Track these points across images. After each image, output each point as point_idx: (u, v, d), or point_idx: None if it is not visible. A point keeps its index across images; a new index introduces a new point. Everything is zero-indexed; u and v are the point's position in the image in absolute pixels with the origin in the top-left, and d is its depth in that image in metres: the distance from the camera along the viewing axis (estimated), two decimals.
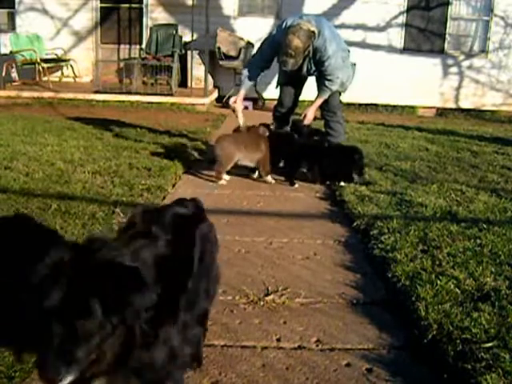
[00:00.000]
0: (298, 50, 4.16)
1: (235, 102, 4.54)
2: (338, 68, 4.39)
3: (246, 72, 4.59)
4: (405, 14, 10.14)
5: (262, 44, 4.60)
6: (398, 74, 10.08)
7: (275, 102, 4.96)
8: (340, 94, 4.69)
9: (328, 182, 4.25)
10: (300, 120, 4.71)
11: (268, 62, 4.56)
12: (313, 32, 4.18)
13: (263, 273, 2.52)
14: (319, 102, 4.56)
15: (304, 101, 5.07)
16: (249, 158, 4.24)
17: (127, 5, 10.59)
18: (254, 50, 9.69)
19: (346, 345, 1.92)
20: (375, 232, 3.00)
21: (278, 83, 4.83)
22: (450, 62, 10.38)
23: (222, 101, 9.95)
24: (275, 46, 4.37)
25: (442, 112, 10.45)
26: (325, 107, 4.64)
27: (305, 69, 4.49)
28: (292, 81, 4.68)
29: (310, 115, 4.58)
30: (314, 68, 4.48)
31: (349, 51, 4.65)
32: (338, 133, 4.65)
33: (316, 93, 4.61)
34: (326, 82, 4.43)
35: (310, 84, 4.72)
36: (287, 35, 4.17)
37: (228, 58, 9.72)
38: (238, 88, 4.81)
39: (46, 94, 9.06)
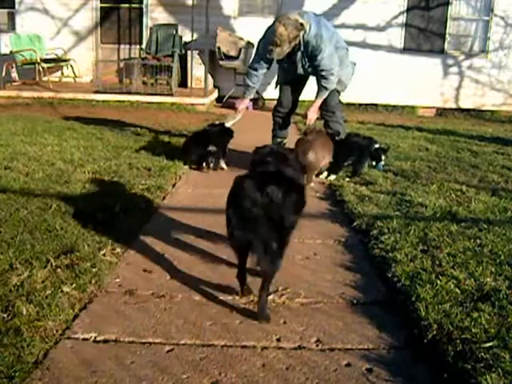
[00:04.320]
0: (282, 37, 4.13)
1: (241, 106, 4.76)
2: (334, 63, 4.37)
3: (249, 75, 4.64)
4: (405, 14, 10.15)
5: (257, 47, 4.61)
6: (398, 74, 10.09)
7: (275, 102, 4.94)
8: (339, 93, 4.68)
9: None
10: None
11: (266, 63, 4.54)
12: (301, 24, 4.18)
13: None
14: (318, 102, 4.55)
15: (304, 101, 5.05)
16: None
17: (127, 5, 10.60)
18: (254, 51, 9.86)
19: (346, 345, 1.92)
20: (375, 232, 3.00)
21: (278, 83, 4.82)
22: (450, 61, 10.39)
23: (222, 101, 9.96)
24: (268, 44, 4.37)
25: (441, 112, 10.45)
26: (324, 107, 4.63)
27: (300, 64, 4.45)
28: (292, 81, 4.65)
29: (310, 116, 4.56)
30: (308, 63, 4.45)
31: (347, 49, 4.64)
32: (337, 133, 4.63)
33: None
34: (322, 81, 4.42)
35: (310, 84, 4.71)
36: (273, 24, 4.23)
37: (228, 57, 9.72)
38: (239, 88, 4.81)
39: (46, 94, 9.06)
